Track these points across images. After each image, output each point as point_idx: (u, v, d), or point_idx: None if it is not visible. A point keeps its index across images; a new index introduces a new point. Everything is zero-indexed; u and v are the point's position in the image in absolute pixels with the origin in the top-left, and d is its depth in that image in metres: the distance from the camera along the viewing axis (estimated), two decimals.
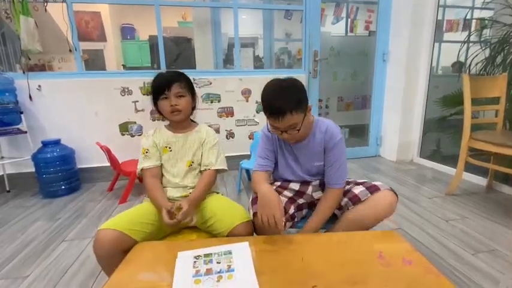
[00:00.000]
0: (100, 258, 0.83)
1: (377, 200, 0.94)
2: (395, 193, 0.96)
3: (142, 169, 1.05)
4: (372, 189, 0.96)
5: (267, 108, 0.91)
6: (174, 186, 1.05)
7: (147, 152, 1.06)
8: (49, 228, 1.61)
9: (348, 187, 1.03)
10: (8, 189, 2.21)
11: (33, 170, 2.08)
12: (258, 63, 3.78)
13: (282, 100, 0.87)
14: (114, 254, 0.80)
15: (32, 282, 1.15)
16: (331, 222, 1.04)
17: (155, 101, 1.05)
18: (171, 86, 1.00)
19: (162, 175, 1.08)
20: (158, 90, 1.01)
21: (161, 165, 1.08)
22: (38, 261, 1.29)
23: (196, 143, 1.09)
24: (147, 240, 0.89)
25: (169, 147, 1.07)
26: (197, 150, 1.09)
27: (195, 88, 1.11)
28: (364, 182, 1.02)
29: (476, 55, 2.23)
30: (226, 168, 1.11)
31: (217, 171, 1.09)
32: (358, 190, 0.98)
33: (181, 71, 1.07)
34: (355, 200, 0.96)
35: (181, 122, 1.08)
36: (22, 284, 1.14)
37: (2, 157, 2.17)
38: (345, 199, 0.99)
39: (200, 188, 1.01)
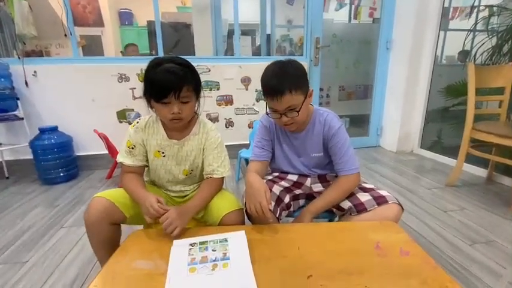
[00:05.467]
0: (88, 224, 0.82)
1: (383, 212, 0.89)
2: (401, 206, 0.92)
3: (122, 163, 0.91)
4: (379, 200, 0.91)
5: (266, 89, 0.89)
6: (168, 190, 1.00)
7: (132, 148, 0.90)
8: (48, 215, 1.61)
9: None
10: (7, 175, 2.21)
11: (31, 156, 2.07)
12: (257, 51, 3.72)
13: (281, 79, 0.85)
14: (101, 222, 0.81)
15: (31, 268, 1.16)
16: (328, 219, 1.03)
17: (148, 97, 0.84)
18: (177, 91, 0.79)
19: (154, 180, 0.99)
20: (158, 93, 0.79)
21: (145, 166, 0.95)
22: (37, 247, 1.30)
23: (195, 150, 0.94)
24: (137, 218, 0.88)
25: (163, 152, 0.92)
26: (196, 158, 0.95)
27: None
28: (371, 189, 0.97)
29: (483, 44, 2.18)
30: (229, 173, 0.97)
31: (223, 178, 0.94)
32: (364, 198, 0.93)
33: (186, 59, 0.85)
34: (361, 209, 0.92)
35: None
36: (21, 270, 1.15)
37: (0, 144, 2.16)
38: (349, 203, 0.94)
39: (200, 197, 0.88)
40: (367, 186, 1.00)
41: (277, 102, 0.87)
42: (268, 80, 0.88)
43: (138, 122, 0.92)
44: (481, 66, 2.02)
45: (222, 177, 0.95)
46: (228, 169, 0.96)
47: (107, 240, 0.83)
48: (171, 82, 0.78)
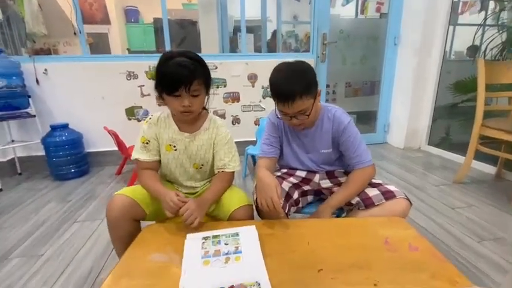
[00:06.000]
0: (110, 220, 0.85)
1: (391, 207, 0.90)
2: (409, 201, 0.92)
3: (137, 160, 0.93)
4: (387, 195, 0.92)
5: (276, 93, 0.90)
6: (179, 185, 1.02)
7: (147, 143, 0.93)
8: (61, 210, 1.66)
9: None
10: (19, 171, 2.27)
11: (43, 153, 2.12)
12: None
13: (291, 84, 0.85)
14: (123, 218, 0.84)
15: (47, 261, 1.20)
16: (336, 214, 1.04)
17: (159, 90, 0.86)
18: (188, 85, 0.80)
19: (165, 174, 1.01)
20: (169, 86, 0.81)
21: (159, 161, 0.97)
22: (52, 241, 1.34)
23: (206, 145, 0.95)
24: (156, 214, 0.91)
25: (174, 146, 0.94)
26: (206, 153, 0.96)
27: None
28: (379, 184, 0.98)
29: (493, 39, 2.14)
30: (239, 168, 0.99)
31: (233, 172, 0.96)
32: (372, 193, 0.94)
33: (196, 53, 0.86)
34: (368, 203, 0.93)
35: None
36: (37, 262, 1.19)
37: (13, 140, 2.22)
38: (357, 198, 0.96)
39: (214, 190, 0.90)
40: (375, 181, 1.01)
41: (287, 108, 0.88)
42: (278, 85, 0.89)
43: (150, 118, 0.95)
44: (491, 61, 1.99)
45: (233, 172, 0.96)
46: (238, 164, 0.98)
47: (127, 234, 0.86)
48: (182, 76, 0.79)
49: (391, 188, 0.95)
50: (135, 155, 0.94)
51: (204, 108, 0.96)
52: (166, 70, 0.81)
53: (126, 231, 0.85)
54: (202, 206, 0.83)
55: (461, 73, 2.42)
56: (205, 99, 0.92)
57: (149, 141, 0.93)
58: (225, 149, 0.96)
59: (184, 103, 0.82)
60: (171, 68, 0.80)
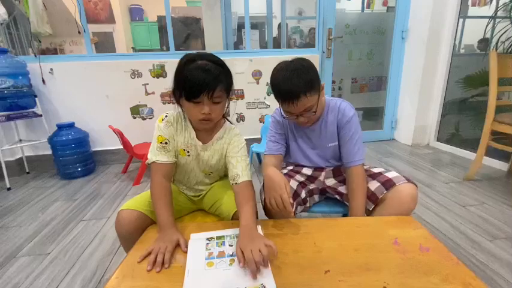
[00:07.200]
0: (121, 236, 0.84)
1: (398, 198, 0.87)
2: (413, 183, 0.89)
3: (154, 162, 0.83)
4: (387, 184, 0.90)
5: (279, 94, 0.88)
6: (185, 187, 0.99)
7: (166, 143, 0.84)
8: (68, 208, 1.67)
9: None
10: (27, 170, 2.30)
11: (50, 152, 2.14)
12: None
13: (294, 83, 0.83)
14: (134, 232, 0.81)
15: (54, 259, 1.21)
16: (343, 214, 1.03)
17: (177, 95, 0.79)
18: (210, 91, 0.73)
19: (174, 174, 0.96)
20: (190, 92, 0.74)
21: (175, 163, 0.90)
22: (58, 240, 1.35)
23: (217, 154, 0.91)
24: None
25: (188, 151, 0.89)
26: (217, 162, 0.92)
27: None
28: (379, 174, 0.95)
29: (506, 31, 2.07)
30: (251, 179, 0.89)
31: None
32: (373, 187, 0.92)
33: (218, 56, 0.79)
34: (374, 199, 0.91)
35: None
36: (44, 261, 1.20)
37: (20, 140, 2.24)
38: None
39: (248, 209, 0.77)
40: (376, 171, 0.98)
41: (292, 107, 0.86)
42: (281, 85, 0.86)
43: (166, 116, 0.86)
44: (504, 54, 1.92)
45: (251, 180, 0.88)
46: (250, 176, 0.89)
47: None
48: (205, 81, 0.72)
49: (390, 175, 0.92)
50: (152, 157, 0.83)
51: (224, 116, 0.90)
52: (188, 74, 0.73)
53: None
54: (254, 234, 0.70)
55: (471, 67, 2.35)
56: (226, 106, 0.84)
57: (168, 141, 0.85)
58: (237, 157, 0.88)
59: (204, 110, 0.75)
60: (193, 72, 0.73)
